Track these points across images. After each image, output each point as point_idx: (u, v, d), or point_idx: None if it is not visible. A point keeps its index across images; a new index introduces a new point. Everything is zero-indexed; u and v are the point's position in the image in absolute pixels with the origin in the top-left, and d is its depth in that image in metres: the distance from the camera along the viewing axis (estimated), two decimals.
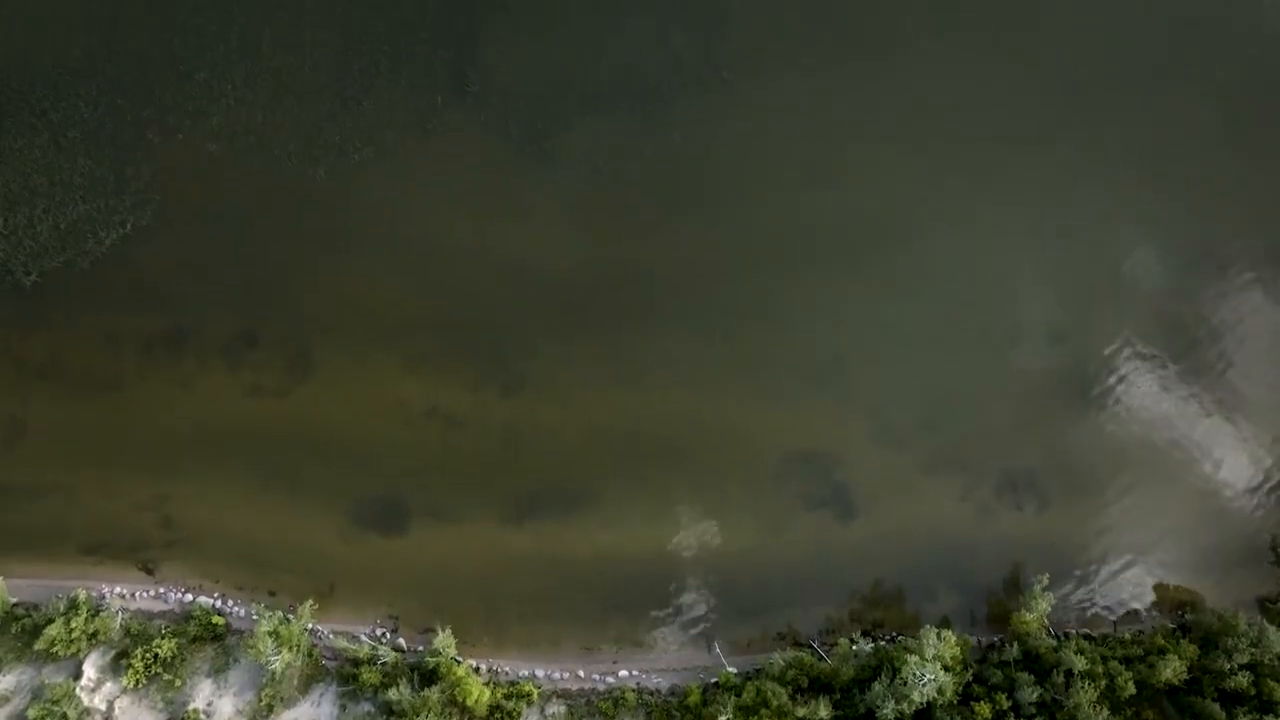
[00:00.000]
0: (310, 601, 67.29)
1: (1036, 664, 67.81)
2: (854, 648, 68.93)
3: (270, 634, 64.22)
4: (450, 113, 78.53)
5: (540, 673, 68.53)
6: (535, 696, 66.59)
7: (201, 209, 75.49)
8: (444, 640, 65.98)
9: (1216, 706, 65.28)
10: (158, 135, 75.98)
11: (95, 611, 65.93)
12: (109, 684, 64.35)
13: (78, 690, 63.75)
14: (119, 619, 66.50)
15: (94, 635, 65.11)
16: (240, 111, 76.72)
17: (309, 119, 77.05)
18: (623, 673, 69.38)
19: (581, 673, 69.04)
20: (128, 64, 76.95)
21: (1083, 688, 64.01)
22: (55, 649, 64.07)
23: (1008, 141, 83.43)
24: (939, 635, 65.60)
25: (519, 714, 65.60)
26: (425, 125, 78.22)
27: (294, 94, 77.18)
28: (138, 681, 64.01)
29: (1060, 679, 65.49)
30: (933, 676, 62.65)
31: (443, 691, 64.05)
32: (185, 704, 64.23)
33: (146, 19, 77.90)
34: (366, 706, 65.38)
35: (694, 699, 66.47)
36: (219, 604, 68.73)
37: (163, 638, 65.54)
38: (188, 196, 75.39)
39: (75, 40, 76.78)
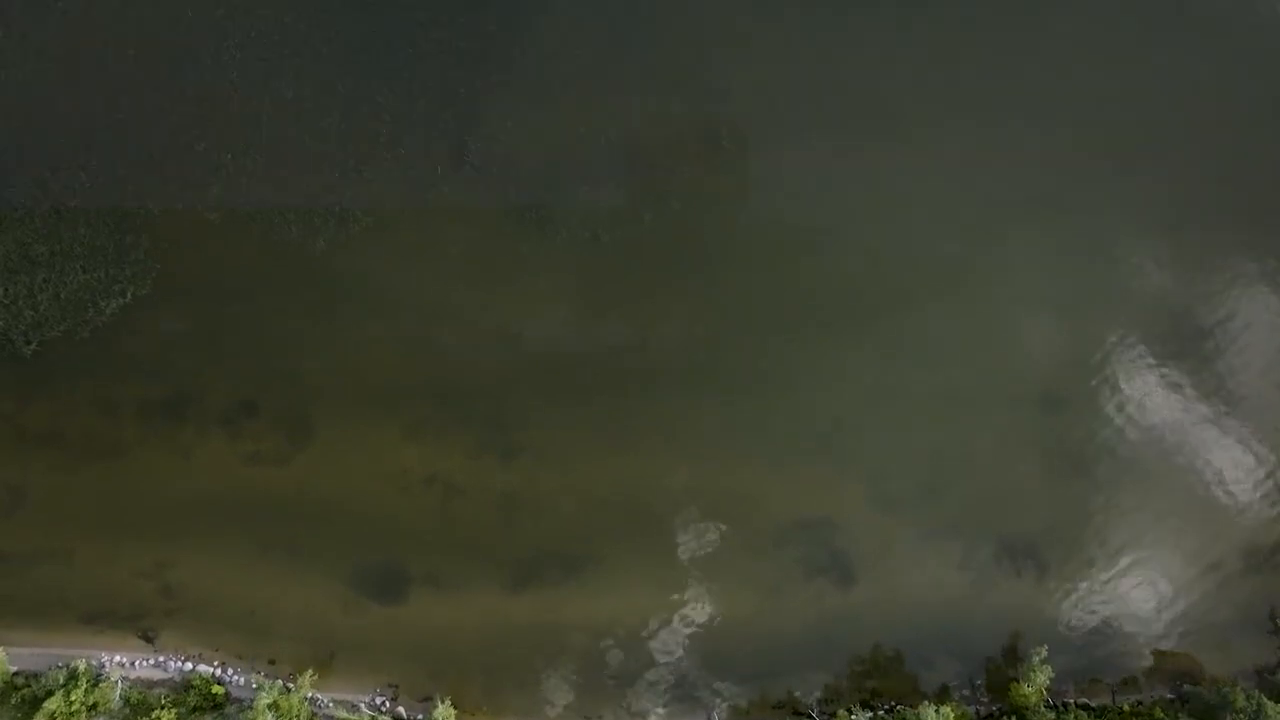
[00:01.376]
0: (310, 671, 67.37)
1: None
2: (852, 719, 68.94)
3: (270, 706, 64.29)
4: (450, 182, 78.45)
5: None
6: None
7: (201, 278, 75.51)
8: (443, 711, 66.07)
9: None
10: (158, 205, 76.05)
11: (95, 681, 65.99)
12: None
13: None
14: (119, 689, 66.58)
15: (94, 707, 65.13)
16: (240, 181, 76.83)
17: (309, 189, 77.17)
18: None
19: None
20: (128, 133, 77.12)
21: None
22: None
23: (1006, 209, 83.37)
24: (938, 711, 65.69)
25: None
26: (425, 195, 78.24)
27: (294, 164, 77.28)
28: None
29: None
30: None
31: None
32: None
33: (147, 89, 78.12)
34: None
35: None
36: (219, 673, 68.76)
37: (163, 708, 65.50)
38: (187, 266, 75.47)
39: (76, 109, 76.98)
